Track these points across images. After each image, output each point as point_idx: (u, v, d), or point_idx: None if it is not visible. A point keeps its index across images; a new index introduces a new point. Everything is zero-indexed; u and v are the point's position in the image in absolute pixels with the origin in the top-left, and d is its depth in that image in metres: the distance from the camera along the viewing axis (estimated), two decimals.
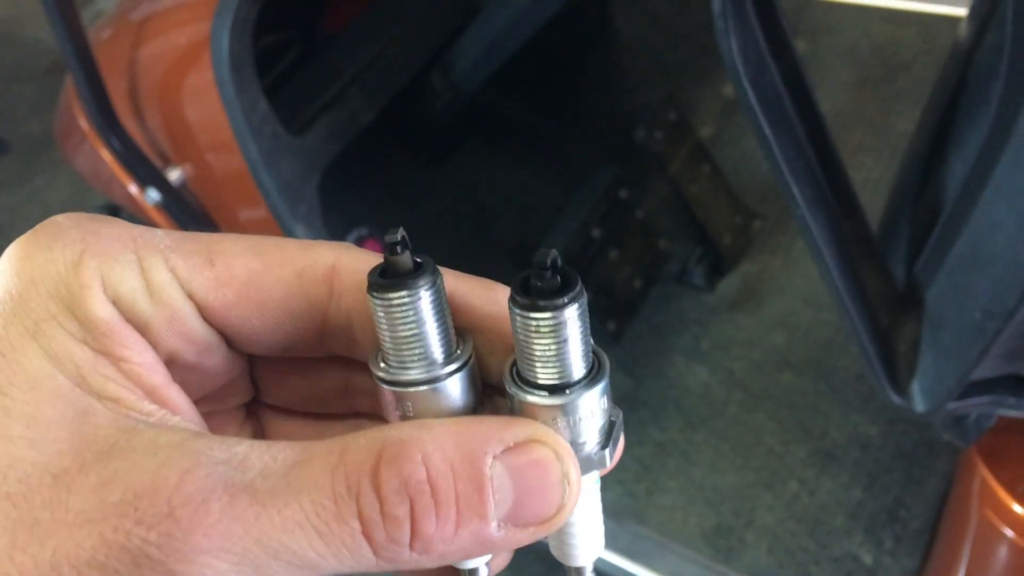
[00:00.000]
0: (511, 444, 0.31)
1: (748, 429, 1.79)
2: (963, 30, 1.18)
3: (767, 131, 0.86)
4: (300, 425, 0.41)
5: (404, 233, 0.31)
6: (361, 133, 1.57)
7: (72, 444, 0.29)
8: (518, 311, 0.30)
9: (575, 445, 0.32)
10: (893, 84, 2.34)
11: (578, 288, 0.30)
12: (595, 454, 0.33)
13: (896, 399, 1.02)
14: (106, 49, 1.63)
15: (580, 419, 0.32)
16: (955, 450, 1.63)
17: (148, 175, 1.54)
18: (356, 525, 0.29)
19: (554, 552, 0.36)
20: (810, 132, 0.92)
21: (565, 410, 0.32)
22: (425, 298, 0.31)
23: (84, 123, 1.65)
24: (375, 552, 0.29)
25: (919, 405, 1.02)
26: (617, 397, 1.67)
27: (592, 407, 0.32)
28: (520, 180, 2.08)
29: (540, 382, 0.32)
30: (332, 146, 1.50)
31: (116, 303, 0.32)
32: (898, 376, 1.02)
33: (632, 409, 1.85)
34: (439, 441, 0.30)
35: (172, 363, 0.34)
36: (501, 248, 1.91)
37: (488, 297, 0.34)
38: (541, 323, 0.30)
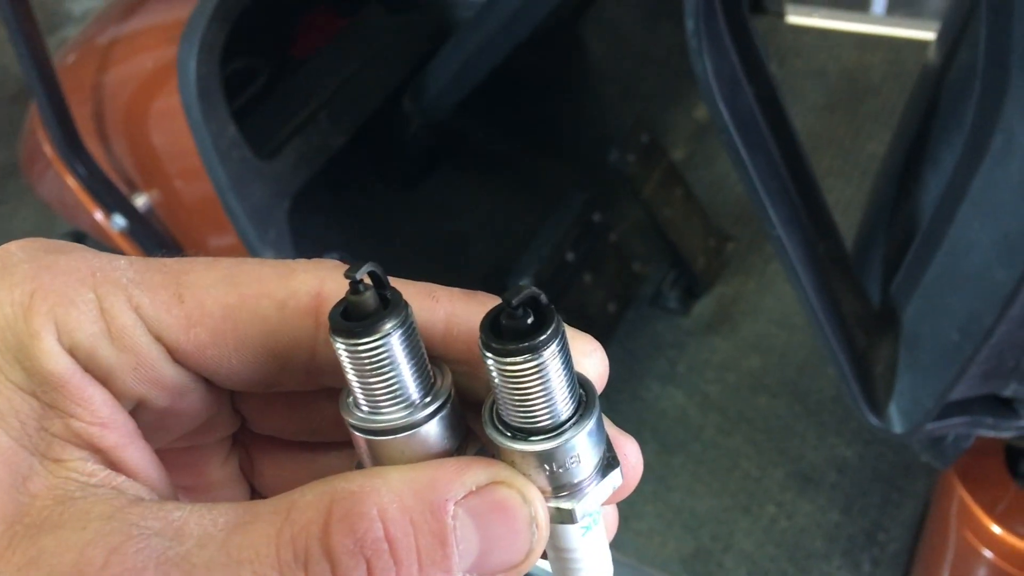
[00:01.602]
0: (473, 488, 0.28)
1: (725, 453, 1.78)
2: (932, 53, 1.19)
3: (742, 152, 0.86)
4: (292, 456, 0.37)
5: (374, 268, 0.28)
6: (332, 158, 1.55)
7: (5, 513, 0.27)
8: (490, 356, 0.28)
9: (568, 488, 0.30)
10: (861, 107, 2.36)
11: (554, 326, 0.27)
12: (590, 495, 0.30)
13: (873, 421, 1.02)
14: (71, 74, 1.60)
15: (570, 462, 0.29)
16: (932, 472, 1.62)
17: (114, 201, 1.52)
18: None
19: None
20: (785, 152, 0.92)
21: (548, 456, 0.29)
22: (394, 341, 0.28)
23: (49, 149, 1.62)
24: None
25: (897, 426, 1.01)
26: None
27: (581, 449, 0.29)
28: (493, 204, 2.07)
29: (517, 425, 0.29)
30: (302, 171, 1.48)
31: (72, 351, 0.29)
32: (875, 397, 1.01)
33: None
34: (395, 491, 0.27)
35: (142, 409, 0.31)
36: (475, 273, 1.89)
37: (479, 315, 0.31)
38: (516, 368, 0.27)
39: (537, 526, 0.28)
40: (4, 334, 0.28)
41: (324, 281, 0.31)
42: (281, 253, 1.41)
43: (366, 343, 0.28)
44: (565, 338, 0.28)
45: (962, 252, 0.87)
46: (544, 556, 0.34)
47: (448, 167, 2.06)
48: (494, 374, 0.28)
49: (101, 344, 0.29)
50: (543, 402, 0.28)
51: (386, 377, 0.28)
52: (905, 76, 2.38)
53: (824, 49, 2.53)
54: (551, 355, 0.27)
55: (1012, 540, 1.15)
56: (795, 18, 2.60)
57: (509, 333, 0.28)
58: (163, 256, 0.32)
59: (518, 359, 0.27)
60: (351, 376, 0.29)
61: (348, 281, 0.28)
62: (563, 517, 0.30)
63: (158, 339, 0.30)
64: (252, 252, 1.40)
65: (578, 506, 0.30)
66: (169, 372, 0.31)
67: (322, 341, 0.31)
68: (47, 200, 1.81)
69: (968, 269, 0.87)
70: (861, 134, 2.29)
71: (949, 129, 0.97)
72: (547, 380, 0.28)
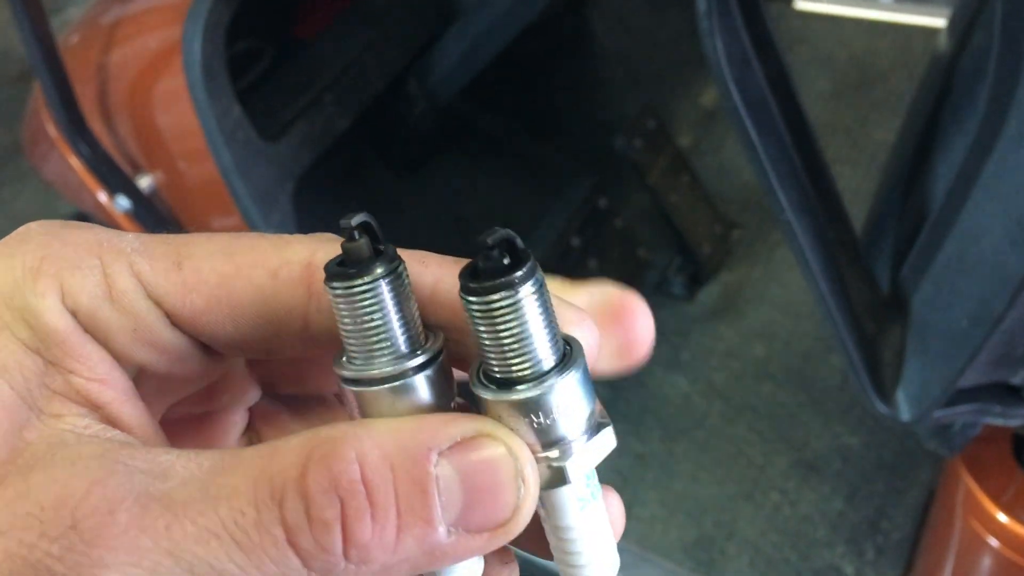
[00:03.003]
0: (458, 439, 0.27)
1: (729, 440, 1.78)
2: (943, 40, 1.17)
3: (752, 134, 0.85)
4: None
5: (367, 219, 0.29)
6: (336, 140, 1.54)
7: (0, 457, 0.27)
8: (468, 298, 0.28)
9: (556, 445, 0.29)
10: (869, 94, 2.35)
11: (529, 265, 0.27)
12: (580, 452, 0.29)
13: (881, 408, 1.01)
14: (75, 54, 1.59)
15: (556, 414, 0.29)
16: (937, 460, 1.62)
17: (118, 182, 1.51)
18: (279, 533, 0.26)
19: None
20: (795, 135, 0.90)
21: (532, 406, 0.28)
22: (386, 287, 0.28)
23: (52, 129, 1.61)
24: (305, 564, 0.26)
25: (904, 414, 1.00)
26: None
27: (566, 400, 0.29)
28: (498, 189, 2.06)
29: (500, 376, 0.29)
30: (307, 153, 1.48)
31: (75, 312, 0.30)
32: (883, 384, 1.00)
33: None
34: (377, 439, 0.27)
35: (142, 372, 0.32)
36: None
37: None
38: (488, 307, 0.27)
39: (524, 480, 0.28)
40: (13, 294, 0.29)
41: (316, 251, 0.31)
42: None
43: (359, 286, 0.28)
44: (542, 282, 0.28)
45: (973, 238, 0.86)
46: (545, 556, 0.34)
47: (453, 151, 2.05)
48: (475, 318, 0.28)
49: (102, 306, 0.30)
50: (523, 347, 0.28)
51: (376, 324, 0.29)
52: (913, 63, 2.37)
53: (832, 36, 2.52)
54: (527, 293, 0.27)
55: (1018, 528, 1.14)
56: (803, 4, 2.59)
57: (486, 274, 0.28)
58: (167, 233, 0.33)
59: (494, 296, 0.27)
60: (343, 325, 0.29)
61: (340, 250, 0.29)
62: (554, 477, 0.29)
63: (157, 304, 0.31)
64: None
65: (568, 463, 0.29)
66: (167, 335, 0.31)
67: (315, 309, 0.31)
68: (50, 181, 1.81)
69: (979, 255, 0.86)
70: (869, 121, 2.28)
71: (961, 114, 0.96)
72: (524, 322, 0.28)
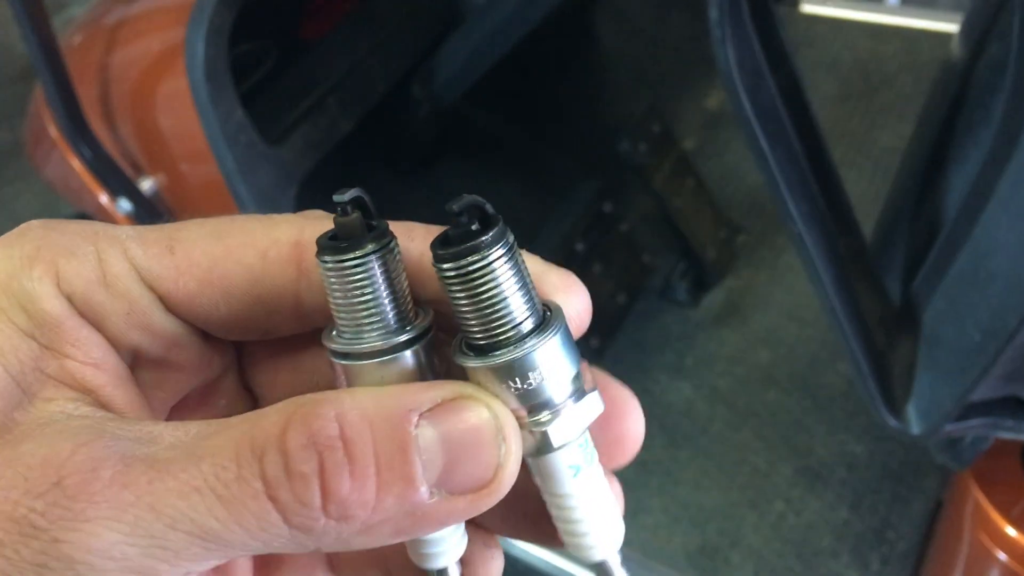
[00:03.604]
0: (439, 402, 0.27)
1: (733, 447, 1.76)
2: (956, 46, 1.16)
3: (763, 144, 0.83)
4: None
5: (360, 194, 0.29)
6: (340, 143, 1.53)
7: None
8: (439, 267, 0.28)
9: (540, 410, 0.29)
10: (875, 99, 2.34)
11: (498, 229, 0.28)
12: (564, 416, 0.29)
13: (891, 421, 1.00)
14: (77, 55, 1.58)
15: (536, 377, 0.28)
16: (943, 470, 1.61)
17: (119, 184, 1.50)
18: (259, 486, 0.26)
19: (572, 550, 0.32)
20: (806, 145, 0.89)
21: (513, 369, 0.28)
22: (377, 262, 0.29)
23: (54, 131, 1.60)
24: (285, 518, 0.26)
25: (915, 427, 0.99)
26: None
27: (547, 363, 0.29)
28: (501, 193, 2.05)
29: (481, 343, 0.29)
30: (310, 156, 1.46)
31: (71, 297, 0.30)
32: (893, 397, 0.99)
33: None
34: (358, 401, 0.27)
35: (138, 358, 0.32)
36: None
37: None
38: (460, 273, 0.28)
39: (505, 440, 0.28)
40: (10, 281, 0.30)
41: (304, 229, 0.32)
42: None
43: (350, 260, 0.28)
44: (512, 245, 0.29)
45: (987, 252, 0.85)
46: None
47: (456, 154, 2.03)
48: (450, 287, 0.28)
49: (97, 291, 0.31)
50: (499, 310, 0.28)
51: (366, 299, 0.29)
52: (920, 67, 2.35)
53: (838, 39, 2.50)
54: (497, 256, 0.28)
55: None
56: (809, 7, 2.57)
57: (456, 240, 0.28)
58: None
59: (464, 261, 0.28)
60: (333, 299, 0.29)
61: (329, 227, 0.30)
62: (541, 443, 0.29)
63: (150, 288, 0.32)
64: None
65: (551, 428, 0.29)
66: (160, 319, 0.32)
67: (305, 287, 0.32)
68: (51, 182, 1.80)
69: (993, 269, 0.85)
70: (875, 126, 2.27)
71: (976, 125, 0.94)
72: (498, 285, 0.28)
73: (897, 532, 1.60)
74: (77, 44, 1.65)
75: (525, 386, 0.29)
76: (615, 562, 0.32)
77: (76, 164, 1.52)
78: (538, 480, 0.31)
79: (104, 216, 1.62)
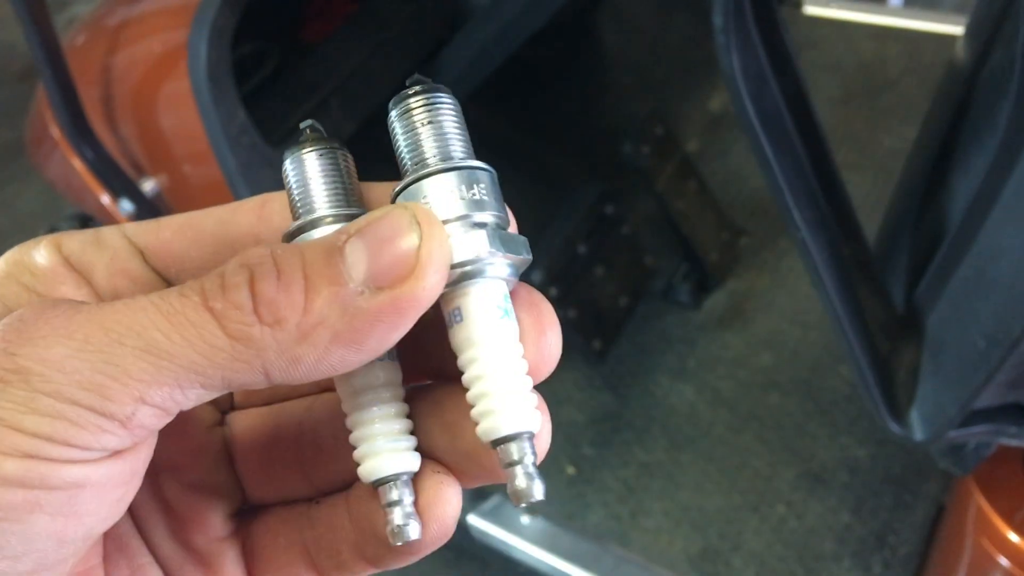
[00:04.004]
0: (364, 224, 0.29)
1: (735, 450, 1.76)
2: (960, 50, 1.16)
3: (767, 150, 0.83)
4: (289, 523, 0.37)
5: (314, 123, 0.35)
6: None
7: None
8: (390, 113, 0.33)
9: (481, 221, 0.31)
10: (878, 101, 2.33)
11: (437, 84, 0.32)
12: (504, 234, 0.31)
13: (894, 427, 0.99)
14: (80, 55, 1.58)
15: (482, 193, 0.31)
16: (945, 474, 1.60)
17: (121, 185, 1.49)
18: (197, 299, 0.28)
19: (482, 435, 0.30)
20: (810, 151, 0.89)
21: (464, 175, 0.31)
22: (326, 155, 0.34)
23: (55, 131, 1.60)
24: (221, 326, 0.27)
25: (918, 434, 0.99)
26: (601, 417, 1.62)
27: (492, 185, 0.32)
28: (504, 195, 2.05)
29: (416, 170, 0.32)
30: None
31: (68, 258, 0.33)
32: (897, 404, 0.99)
33: (616, 429, 1.82)
34: (293, 245, 0.30)
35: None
36: None
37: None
38: (405, 106, 0.32)
39: (417, 221, 0.29)
40: (22, 255, 0.33)
41: (267, 197, 0.35)
42: None
43: (309, 150, 0.33)
44: (452, 102, 0.33)
45: (991, 258, 0.85)
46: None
47: None
48: (397, 129, 0.33)
49: (87, 249, 0.34)
50: (452, 133, 0.32)
51: (322, 183, 0.33)
52: (923, 70, 2.35)
53: (841, 41, 2.50)
54: (448, 96, 0.32)
55: None
56: (812, 9, 2.57)
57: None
58: None
59: (431, 95, 0.32)
60: (293, 190, 0.33)
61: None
62: (476, 249, 0.31)
63: (132, 243, 0.35)
64: None
65: (489, 231, 0.31)
66: (139, 267, 0.34)
67: (264, 230, 0.35)
68: (53, 182, 1.80)
69: (997, 276, 0.85)
70: (877, 128, 2.26)
71: (981, 131, 0.94)
72: (453, 112, 0.32)
73: (899, 537, 1.60)
74: (80, 44, 1.64)
75: (471, 195, 0.31)
76: (523, 440, 0.29)
77: (78, 164, 1.52)
78: (460, 334, 0.31)
79: (106, 216, 1.62)
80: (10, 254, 0.33)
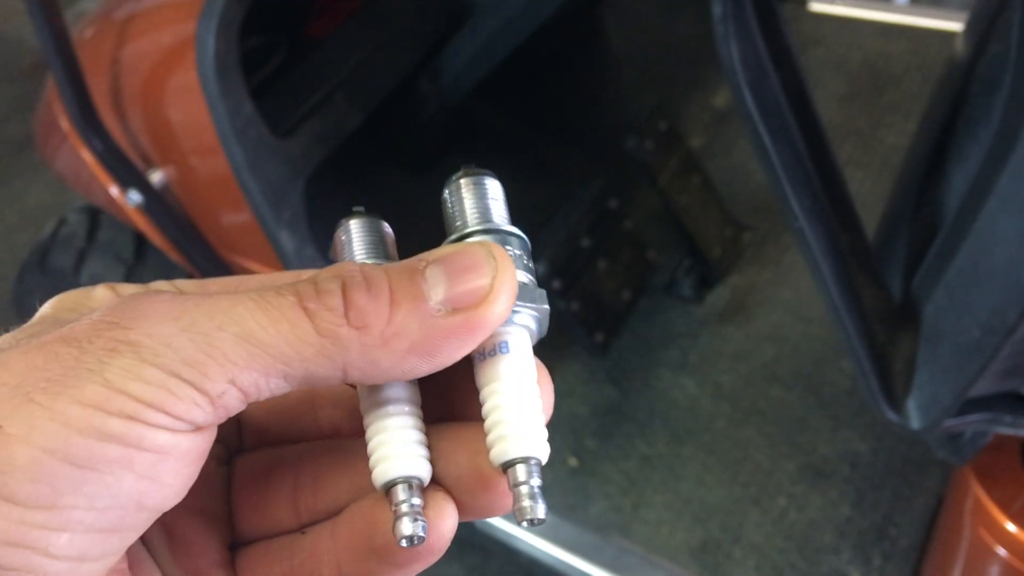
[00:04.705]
0: (443, 254, 0.33)
1: (736, 443, 1.77)
2: (960, 45, 1.17)
3: (766, 140, 0.84)
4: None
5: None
6: (347, 139, 1.54)
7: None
8: (447, 187, 0.37)
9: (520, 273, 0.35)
10: (883, 97, 2.34)
11: (487, 171, 0.38)
12: (535, 287, 0.35)
13: (891, 416, 1.00)
14: (89, 48, 1.60)
15: (522, 252, 0.35)
16: (945, 467, 1.61)
17: (130, 177, 1.51)
18: (293, 299, 0.31)
19: (494, 457, 0.32)
20: (809, 142, 0.90)
21: (513, 238, 0.35)
22: (375, 223, 0.38)
23: (65, 123, 1.61)
24: (314, 324, 0.30)
25: (914, 422, 1.00)
26: (603, 409, 1.62)
27: (526, 250, 0.36)
28: (508, 189, 2.05)
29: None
30: (318, 151, 1.47)
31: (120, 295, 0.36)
32: (894, 392, 1.00)
33: (618, 422, 1.83)
34: (379, 265, 0.33)
35: None
36: None
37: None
38: (456, 184, 0.37)
39: (495, 259, 0.32)
40: (82, 298, 0.36)
41: (306, 271, 0.37)
42: (296, 233, 1.40)
43: (360, 217, 0.38)
44: (498, 186, 0.37)
45: (987, 247, 0.86)
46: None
47: (463, 150, 2.04)
48: (451, 200, 0.37)
49: (141, 292, 0.35)
50: (485, 208, 0.36)
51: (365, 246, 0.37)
52: (927, 67, 2.36)
53: (846, 38, 2.51)
54: (481, 180, 0.37)
55: None
56: (817, 5, 2.58)
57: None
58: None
59: (481, 173, 0.37)
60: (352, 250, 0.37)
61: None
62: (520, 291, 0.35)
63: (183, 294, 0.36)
64: (267, 232, 1.39)
65: (529, 278, 0.35)
66: None
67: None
68: (62, 174, 1.81)
69: (993, 265, 0.86)
70: (881, 124, 2.27)
71: (977, 122, 0.95)
72: (485, 195, 0.36)
73: (899, 529, 1.61)
74: (89, 37, 1.66)
75: (517, 252, 0.35)
76: (532, 465, 0.32)
77: (87, 156, 1.53)
78: (489, 368, 0.33)
79: (114, 208, 1.63)
80: (68, 295, 0.36)
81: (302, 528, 0.37)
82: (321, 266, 0.35)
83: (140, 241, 1.79)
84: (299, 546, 0.36)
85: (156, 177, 1.54)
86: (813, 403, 1.80)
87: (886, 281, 1.03)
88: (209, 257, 1.61)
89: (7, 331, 0.34)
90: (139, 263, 1.77)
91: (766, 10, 0.82)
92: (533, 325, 0.35)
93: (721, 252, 2.01)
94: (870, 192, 2.07)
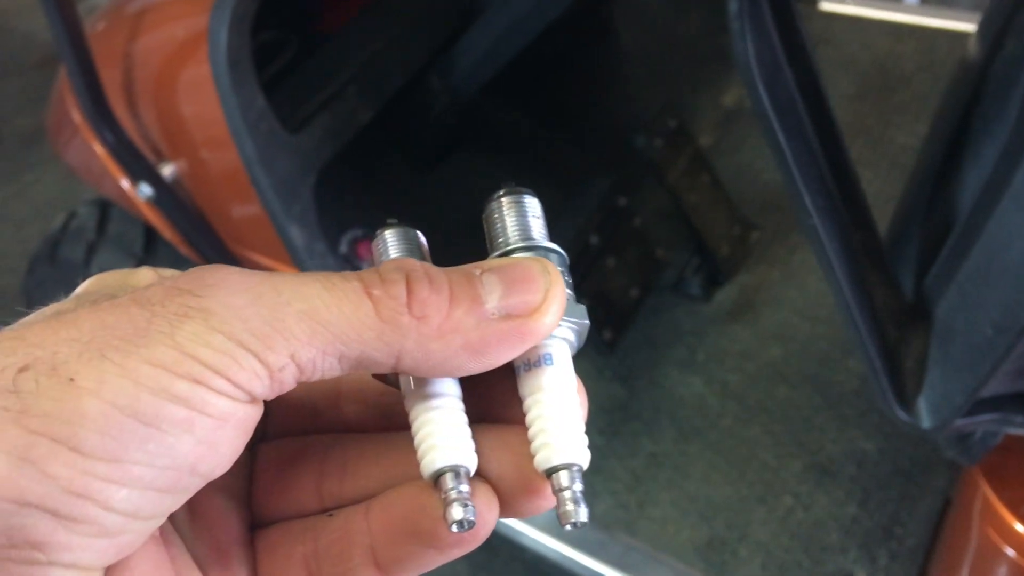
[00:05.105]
0: (498, 265, 0.34)
1: (742, 442, 1.77)
2: (973, 46, 1.16)
3: (780, 138, 0.84)
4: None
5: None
6: (358, 134, 1.54)
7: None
8: (489, 205, 0.38)
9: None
10: (892, 97, 2.34)
11: (526, 190, 0.38)
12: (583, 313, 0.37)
13: (902, 415, 1.00)
14: (101, 41, 1.60)
15: (564, 269, 0.37)
16: (952, 467, 1.61)
17: (141, 169, 1.51)
18: (358, 284, 0.32)
19: (539, 463, 0.34)
20: (823, 140, 0.90)
21: (557, 255, 0.37)
22: (409, 232, 0.39)
23: (77, 115, 1.62)
24: (376, 310, 0.31)
25: (925, 421, 1.00)
26: (610, 407, 1.63)
27: (564, 266, 0.37)
28: (518, 186, 2.05)
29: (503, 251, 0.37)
30: (329, 146, 1.48)
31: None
32: (904, 391, 1.00)
33: (625, 420, 1.83)
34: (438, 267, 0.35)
35: None
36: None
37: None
38: (498, 203, 0.38)
39: (549, 273, 0.34)
40: (125, 277, 0.36)
41: None
42: (306, 228, 1.40)
43: (395, 227, 0.39)
44: (537, 204, 0.38)
45: (1001, 247, 0.85)
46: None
47: (472, 147, 2.04)
48: (494, 217, 0.38)
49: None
50: (527, 225, 0.37)
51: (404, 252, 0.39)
52: (937, 67, 2.35)
53: (856, 37, 2.50)
54: (521, 198, 0.38)
55: None
56: (828, 5, 2.57)
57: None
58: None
59: (494, 199, 0.38)
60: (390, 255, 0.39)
61: None
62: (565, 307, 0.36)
63: None
64: (277, 226, 1.39)
65: (571, 293, 0.37)
66: None
67: None
68: (73, 166, 1.82)
69: (1006, 264, 0.85)
70: (891, 124, 2.27)
71: (991, 121, 0.95)
72: (525, 213, 0.37)
73: (906, 529, 1.60)
74: (101, 30, 1.66)
75: (559, 268, 0.36)
76: (574, 472, 0.34)
77: (98, 148, 1.54)
78: (532, 378, 0.35)
79: (125, 201, 1.64)
80: (110, 273, 0.36)
81: (328, 511, 0.37)
82: (331, 262, 0.36)
83: (150, 234, 1.79)
84: (325, 527, 0.37)
85: (167, 170, 1.54)
86: (820, 402, 1.80)
87: (898, 280, 1.03)
88: (219, 251, 1.62)
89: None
90: (149, 256, 1.78)
91: (782, 6, 0.82)
92: (573, 338, 0.36)
93: (729, 251, 2.01)
94: (879, 191, 2.07)
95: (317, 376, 0.31)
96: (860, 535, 1.62)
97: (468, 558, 1.82)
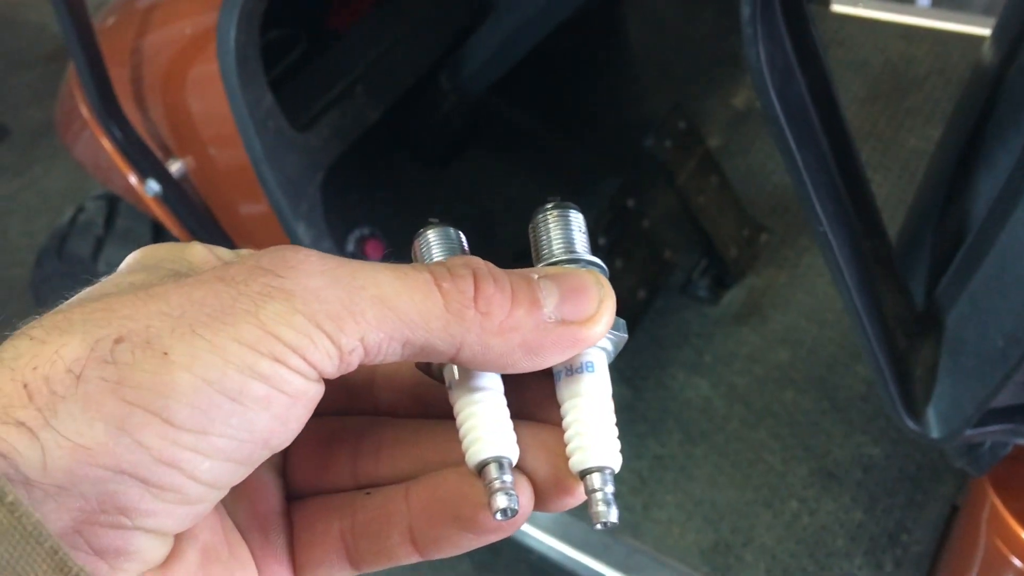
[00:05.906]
0: (554, 273, 0.35)
1: (749, 446, 1.76)
2: (987, 50, 1.15)
3: (791, 144, 0.83)
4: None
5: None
6: (366, 132, 1.54)
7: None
8: (536, 216, 0.39)
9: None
10: (905, 101, 2.32)
11: (571, 204, 0.40)
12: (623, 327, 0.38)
13: (911, 424, 1.00)
14: (110, 36, 1.60)
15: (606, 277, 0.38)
16: (959, 474, 1.60)
17: (149, 166, 1.51)
18: (428, 276, 0.33)
19: (573, 465, 0.36)
20: (835, 146, 0.89)
21: (599, 267, 0.38)
22: (452, 232, 0.40)
23: (85, 111, 1.62)
24: (444, 302, 0.33)
25: (934, 431, 0.99)
26: (616, 408, 1.63)
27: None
28: (524, 186, 2.06)
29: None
30: (337, 144, 1.47)
31: (221, 258, 0.38)
32: (913, 401, 0.99)
33: (631, 422, 1.82)
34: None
35: None
36: (504, 253, 1.88)
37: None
38: (545, 216, 0.39)
39: (602, 286, 0.35)
40: (178, 251, 0.37)
41: None
42: (313, 226, 1.40)
43: (437, 226, 0.40)
44: (582, 218, 0.39)
45: (1014, 258, 0.85)
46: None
47: (480, 147, 2.04)
48: (539, 228, 0.39)
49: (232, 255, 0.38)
50: (573, 238, 0.38)
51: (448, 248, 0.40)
52: (950, 70, 2.34)
53: (868, 40, 2.49)
54: (566, 212, 0.39)
55: None
56: (840, 7, 2.56)
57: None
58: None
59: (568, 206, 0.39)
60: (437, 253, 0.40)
61: None
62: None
63: None
64: (284, 224, 1.39)
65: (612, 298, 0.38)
66: None
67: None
68: (81, 161, 1.82)
69: (1019, 275, 0.85)
70: (903, 128, 2.25)
71: (1006, 129, 0.94)
72: (569, 226, 0.38)
73: (911, 535, 1.60)
74: (110, 25, 1.66)
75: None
76: (607, 475, 0.35)
77: (106, 144, 1.54)
78: (571, 384, 0.37)
79: (133, 197, 1.64)
80: (161, 246, 0.38)
81: (362, 489, 0.39)
82: None
83: (157, 230, 1.79)
84: (363, 504, 0.38)
85: (175, 167, 1.54)
86: (827, 407, 1.79)
87: (909, 287, 1.02)
88: (225, 248, 1.61)
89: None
90: None
91: (795, 11, 0.81)
92: (611, 348, 0.38)
93: (738, 253, 2.00)
94: (890, 196, 2.06)
95: (379, 360, 0.32)
96: (866, 541, 1.61)
97: (472, 558, 1.82)
